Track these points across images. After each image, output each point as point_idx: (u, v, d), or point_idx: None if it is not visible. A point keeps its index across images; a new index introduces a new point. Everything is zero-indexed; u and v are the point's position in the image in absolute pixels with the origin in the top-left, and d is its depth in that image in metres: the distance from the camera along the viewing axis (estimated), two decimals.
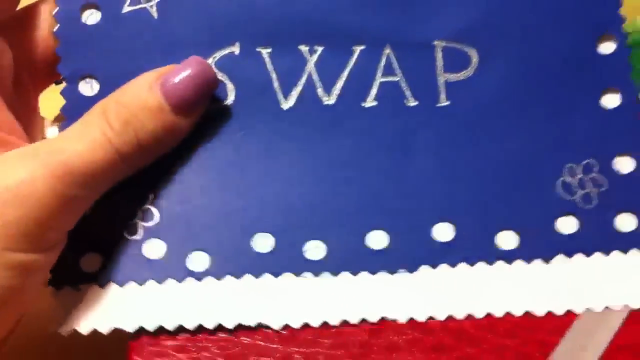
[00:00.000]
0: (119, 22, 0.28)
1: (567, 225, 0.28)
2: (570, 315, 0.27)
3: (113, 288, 0.26)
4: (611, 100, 0.29)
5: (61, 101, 0.28)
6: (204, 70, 0.26)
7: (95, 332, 0.26)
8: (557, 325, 0.26)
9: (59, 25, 0.28)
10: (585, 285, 0.27)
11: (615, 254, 0.27)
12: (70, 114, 0.27)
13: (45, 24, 0.29)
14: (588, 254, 0.27)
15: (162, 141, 0.26)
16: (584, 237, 0.28)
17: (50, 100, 0.30)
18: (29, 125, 0.28)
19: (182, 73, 0.26)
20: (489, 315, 0.27)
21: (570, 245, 0.27)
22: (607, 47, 0.29)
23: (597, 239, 0.28)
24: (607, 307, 0.27)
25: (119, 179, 0.26)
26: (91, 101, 0.27)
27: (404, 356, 0.26)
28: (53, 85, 0.31)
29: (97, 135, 0.24)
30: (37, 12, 0.29)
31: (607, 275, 0.27)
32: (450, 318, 0.26)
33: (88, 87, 0.28)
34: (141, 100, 0.25)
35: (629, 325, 0.27)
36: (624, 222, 0.28)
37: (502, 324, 0.26)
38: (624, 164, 0.28)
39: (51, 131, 0.30)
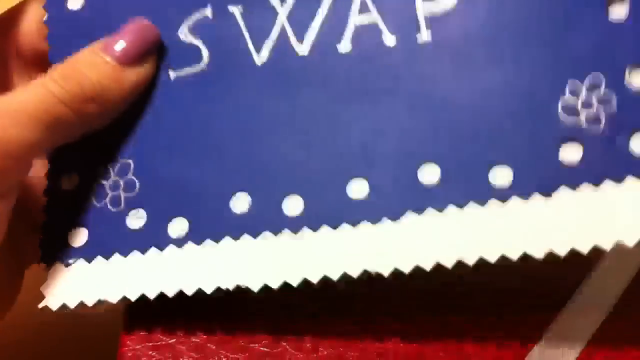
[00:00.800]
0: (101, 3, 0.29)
1: (570, 153, 0.24)
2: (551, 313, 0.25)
3: (99, 261, 0.27)
4: (618, 11, 0.25)
5: None
6: (139, 23, 0.28)
7: (82, 305, 0.26)
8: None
9: (47, 14, 0.30)
10: (593, 219, 0.23)
11: (630, 181, 0.23)
12: None
13: (34, 14, 0.30)
14: (596, 183, 0.24)
15: (110, 91, 0.27)
16: (591, 165, 0.23)
17: None
18: None
19: (120, 31, 0.27)
20: (481, 260, 0.24)
21: (575, 176, 0.23)
22: None
23: (607, 165, 0.23)
24: (618, 242, 0.23)
25: (80, 131, 0.27)
26: None
27: None
28: None
29: (38, 86, 0.26)
30: (24, 6, 0.30)
31: (620, 207, 0.23)
32: (437, 265, 0.24)
33: None
34: (83, 57, 0.27)
35: (611, 318, 0.25)
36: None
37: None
38: (638, 78, 0.24)
39: None
